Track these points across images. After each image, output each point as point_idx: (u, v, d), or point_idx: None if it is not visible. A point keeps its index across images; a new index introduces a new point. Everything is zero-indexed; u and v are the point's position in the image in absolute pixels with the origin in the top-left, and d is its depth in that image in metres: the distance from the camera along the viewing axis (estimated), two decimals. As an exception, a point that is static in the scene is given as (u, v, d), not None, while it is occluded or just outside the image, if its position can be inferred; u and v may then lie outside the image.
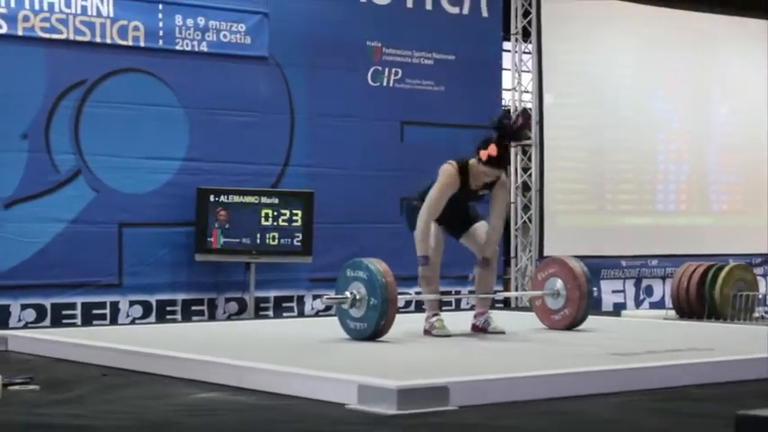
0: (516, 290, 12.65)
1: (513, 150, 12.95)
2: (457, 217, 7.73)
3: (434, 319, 7.68)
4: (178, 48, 10.47)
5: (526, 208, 12.87)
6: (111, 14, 10.15)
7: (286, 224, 10.63)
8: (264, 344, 7.45)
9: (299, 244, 10.67)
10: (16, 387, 5.53)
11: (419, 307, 8.25)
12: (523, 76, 13.03)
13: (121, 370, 6.38)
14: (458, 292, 10.71)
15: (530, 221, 12.88)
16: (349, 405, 4.87)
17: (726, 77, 14.48)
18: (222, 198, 10.44)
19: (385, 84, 11.63)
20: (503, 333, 7.75)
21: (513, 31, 12.96)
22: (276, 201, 10.65)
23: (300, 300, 11.09)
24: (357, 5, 11.50)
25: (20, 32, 9.75)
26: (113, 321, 10.09)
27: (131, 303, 10.26)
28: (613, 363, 5.95)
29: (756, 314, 10.34)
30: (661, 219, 13.90)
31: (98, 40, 10.09)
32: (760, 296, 10.86)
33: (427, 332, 7.67)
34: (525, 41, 12.98)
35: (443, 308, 8.48)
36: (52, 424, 4.57)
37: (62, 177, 9.99)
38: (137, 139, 10.28)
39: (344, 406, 4.87)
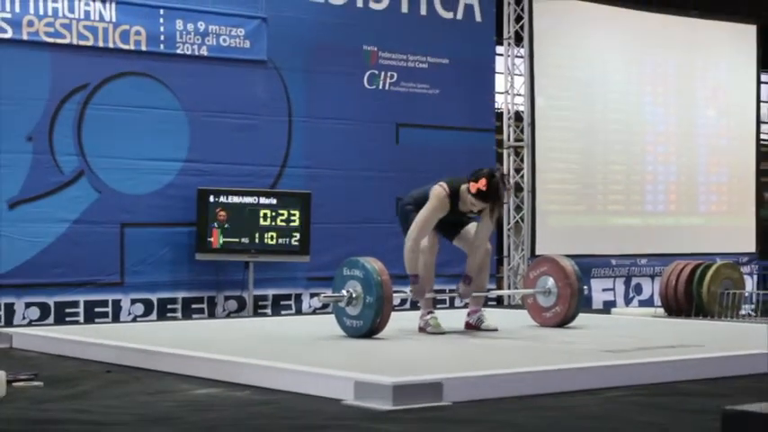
0: (509, 288, 12.66)
1: (505, 152, 12.97)
2: (449, 223, 7.74)
3: (429, 316, 7.68)
4: (179, 52, 10.46)
5: (518, 208, 12.87)
6: (114, 19, 10.15)
7: (284, 224, 10.63)
8: (263, 341, 7.45)
9: (296, 243, 10.67)
10: (21, 383, 5.54)
11: (414, 305, 8.25)
12: (516, 80, 13.03)
13: (124, 366, 6.38)
14: (452, 291, 10.73)
15: (522, 221, 12.89)
16: (345, 401, 4.87)
17: (714, 81, 14.50)
18: (222, 199, 10.44)
19: (381, 87, 11.63)
20: (495, 330, 7.75)
21: (505, 35, 12.96)
22: (274, 201, 10.65)
23: (298, 298, 11.09)
24: (354, 11, 11.50)
25: (24, 37, 9.74)
26: (115, 319, 10.08)
27: (133, 301, 10.25)
28: (604, 359, 5.96)
29: (743, 311, 10.35)
30: (650, 219, 13.92)
31: (101, 44, 10.09)
32: (746, 294, 10.87)
33: (422, 329, 7.67)
34: (518, 46, 12.98)
35: (438, 306, 8.48)
36: (56, 419, 4.57)
37: (65, 178, 9.99)
38: (138, 141, 10.27)
39: (341, 401, 4.88)
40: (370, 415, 4.58)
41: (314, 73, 11.18)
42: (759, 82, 15.14)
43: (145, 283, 10.30)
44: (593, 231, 13.36)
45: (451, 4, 12.12)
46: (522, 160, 12.91)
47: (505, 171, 12.78)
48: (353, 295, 7.17)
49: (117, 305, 10.17)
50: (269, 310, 10.86)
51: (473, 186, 7.35)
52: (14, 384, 5.45)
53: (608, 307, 12.45)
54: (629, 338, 7.26)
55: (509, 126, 12.99)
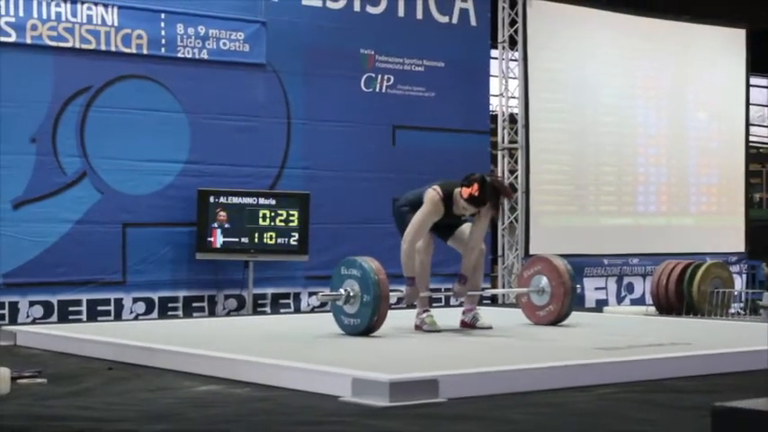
0: (503, 287, 12.66)
1: (500, 154, 12.98)
2: (444, 225, 7.74)
3: (425, 315, 7.69)
4: (179, 55, 10.46)
5: (513, 209, 12.87)
6: (116, 23, 10.15)
7: (283, 224, 10.63)
8: (262, 339, 7.44)
9: (295, 243, 10.66)
10: (25, 380, 5.54)
11: (410, 303, 8.24)
12: (510, 83, 13.04)
13: (125, 364, 6.38)
14: (447, 290, 10.72)
15: (516, 221, 12.89)
16: (343, 397, 4.87)
17: (704, 84, 14.51)
18: (222, 199, 10.43)
19: (378, 90, 11.63)
20: (490, 328, 7.75)
21: (500, 39, 12.97)
22: (273, 202, 10.65)
23: (297, 297, 11.09)
24: (351, 15, 11.49)
25: (28, 41, 9.73)
26: (118, 317, 10.08)
27: (135, 300, 10.25)
28: (596, 357, 5.96)
29: (732, 310, 10.37)
30: (641, 219, 13.92)
31: (103, 47, 10.08)
32: (735, 293, 10.89)
33: (418, 328, 7.67)
34: (512, 49, 12.99)
35: (433, 304, 8.48)
36: (60, 415, 4.57)
37: (68, 179, 9.98)
38: (140, 143, 10.27)
39: (339, 398, 4.88)
40: (367, 411, 4.59)
41: (312, 76, 11.18)
42: (748, 85, 15.15)
43: (146, 282, 10.29)
44: (585, 231, 13.37)
45: (447, 9, 12.12)
46: (516, 162, 12.92)
47: (500, 172, 12.80)
48: (351, 294, 7.18)
49: (119, 304, 10.17)
50: (268, 309, 10.86)
51: (465, 191, 7.36)
52: (19, 381, 5.44)
53: (600, 305, 12.46)
54: (621, 336, 7.27)
55: (503, 128, 13.00)
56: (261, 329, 8.25)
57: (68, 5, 9.91)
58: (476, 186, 7.33)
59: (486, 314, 8.07)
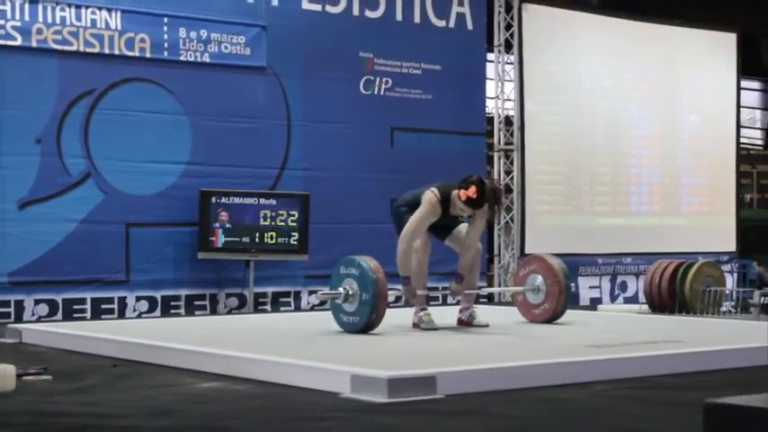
0: (499, 286, 12.66)
1: (496, 155, 12.98)
2: (441, 225, 7.74)
3: (422, 313, 7.69)
4: (182, 58, 10.45)
5: (508, 209, 12.86)
6: (119, 27, 10.14)
7: (283, 224, 10.63)
8: (263, 337, 7.44)
9: (295, 243, 10.66)
10: (31, 377, 5.53)
11: (408, 302, 8.25)
12: (506, 85, 13.04)
13: (129, 361, 6.38)
14: (444, 289, 10.72)
15: (512, 221, 12.89)
16: (342, 394, 4.87)
17: (696, 86, 14.51)
18: (223, 200, 10.43)
19: (376, 92, 11.62)
20: (486, 326, 7.75)
21: (496, 42, 12.96)
22: (274, 202, 10.65)
23: (297, 295, 11.08)
24: (350, 19, 11.49)
25: (33, 44, 9.73)
26: (121, 315, 10.07)
27: (138, 299, 10.24)
28: (590, 354, 5.96)
29: (723, 308, 10.36)
30: (635, 219, 13.92)
31: (107, 51, 10.08)
32: (727, 291, 10.88)
33: (416, 326, 7.67)
34: (508, 53, 12.98)
35: (431, 303, 8.48)
36: (64, 411, 4.56)
37: (73, 180, 9.98)
38: (143, 144, 10.26)
39: (338, 395, 4.87)
40: (366, 407, 4.58)
41: (312, 79, 11.18)
42: (739, 88, 15.15)
43: (149, 281, 10.29)
44: (580, 231, 13.37)
45: (444, 13, 12.12)
46: (511, 163, 12.91)
47: (496, 173, 12.81)
48: (350, 292, 7.18)
49: (122, 302, 10.16)
50: (269, 307, 10.86)
51: (463, 194, 7.38)
52: (24, 378, 5.44)
53: (594, 304, 12.45)
54: (615, 334, 7.27)
55: (499, 130, 13.00)
56: (262, 327, 8.25)
57: (73, 10, 9.91)
58: (474, 189, 7.34)
59: (483, 312, 8.07)
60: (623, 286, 13.54)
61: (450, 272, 8.21)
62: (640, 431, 4.11)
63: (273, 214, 10.60)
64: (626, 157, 13.86)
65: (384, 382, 4.74)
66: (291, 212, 10.66)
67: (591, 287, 13.22)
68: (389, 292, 7.26)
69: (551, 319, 8.11)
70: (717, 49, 14.75)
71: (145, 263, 10.27)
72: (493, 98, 13.15)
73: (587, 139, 13.45)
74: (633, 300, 12.98)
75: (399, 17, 11.83)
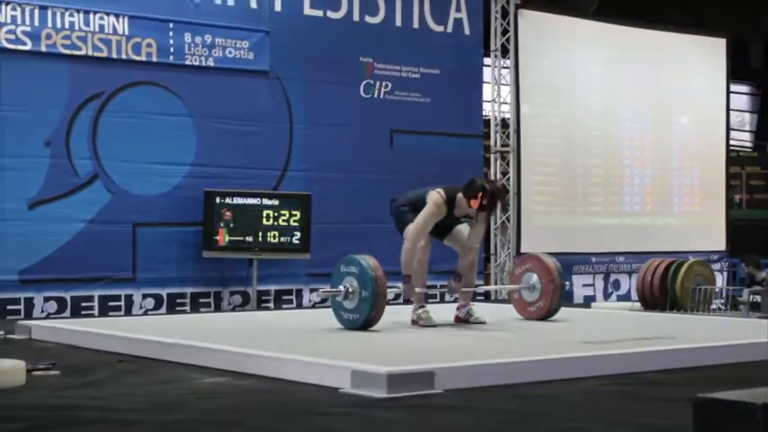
0: (496, 284, 12.66)
1: (492, 157, 12.99)
2: (442, 226, 7.75)
3: (421, 310, 7.68)
4: (187, 63, 10.46)
5: (505, 209, 12.87)
6: (127, 32, 10.15)
7: (286, 224, 10.63)
8: (265, 333, 7.44)
9: (297, 242, 10.67)
10: (40, 372, 5.53)
11: (407, 299, 8.24)
12: (502, 89, 13.05)
13: (135, 357, 6.37)
14: (443, 287, 10.72)
15: (508, 221, 12.90)
16: (343, 389, 4.87)
17: (686, 90, 14.52)
18: (227, 200, 10.43)
19: (376, 95, 11.63)
20: (483, 323, 7.75)
21: (492, 47, 12.97)
22: (277, 202, 10.65)
23: (299, 293, 11.09)
24: (351, 24, 11.50)
25: (43, 49, 9.74)
26: (128, 312, 10.08)
27: (144, 296, 10.25)
28: (584, 350, 5.95)
29: (713, 306, 10.36)
30: (627, 219, 13.93)
31: (114, 55, 10.09)
32: (717, 290, 10.88)
33: (414, 322, 7.67)
34: (504, 57, 12.99)
35: (429, 300, 8.47)
36: (73, 405, 4.56)
37: (81, 181, 9.98)
38: (149, 146, 10.27)
39: (339, 390, 4.87)
40: (366, 402, 4.58)
41: (313, 82, 11.18)
42: (728, 92, 15.17)
43: (155, 279, 10.30)
44: (574, 231, 13.37)
45: (442, 19, 12.13)
46: (508, 164, 12.92)
47: (492, 174, 12.81)
48: (350, 290, 7.17)
49: (129, 299, 10.17)
50: (271, 305, 10.86)
51: (474, 203, 7.40)
52: (34, 373, 5.44)
53: (588, 301, 12.45)
54: (608, 331, 7.26)
55: (496, 132, 13.01)
56: (264, 324, 8.25)
57: (81, 15, 9.91)
58: (482, 195, 7.38)
59: (480, 310, 8.06)
60: (616, 284, 13.54)
61: (448, 270, 8.21)
62: (635, 425, 4.11)
63: (276, 214, 10.60)
64: (619, 159, 13.87)
65: (384, 377, 4.74)
66: (294, 212, 10.66)
67: (585, 285, 13.22)
68: (388, 290, 7.25)
69: (546, 316, 8.10)
70: (707, 54, 14.76)
71: (151, 261, 10.30)
72: (489, 101, 13.16)
73: (582, 141, 13.46)
74: (626, 297, 12.98)
75: (399, 23, 11.83)
